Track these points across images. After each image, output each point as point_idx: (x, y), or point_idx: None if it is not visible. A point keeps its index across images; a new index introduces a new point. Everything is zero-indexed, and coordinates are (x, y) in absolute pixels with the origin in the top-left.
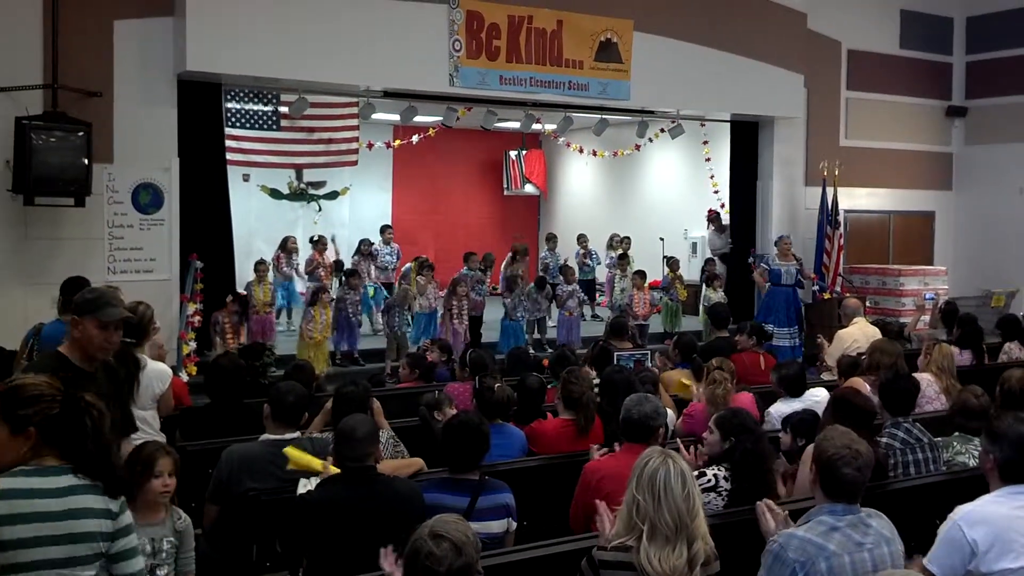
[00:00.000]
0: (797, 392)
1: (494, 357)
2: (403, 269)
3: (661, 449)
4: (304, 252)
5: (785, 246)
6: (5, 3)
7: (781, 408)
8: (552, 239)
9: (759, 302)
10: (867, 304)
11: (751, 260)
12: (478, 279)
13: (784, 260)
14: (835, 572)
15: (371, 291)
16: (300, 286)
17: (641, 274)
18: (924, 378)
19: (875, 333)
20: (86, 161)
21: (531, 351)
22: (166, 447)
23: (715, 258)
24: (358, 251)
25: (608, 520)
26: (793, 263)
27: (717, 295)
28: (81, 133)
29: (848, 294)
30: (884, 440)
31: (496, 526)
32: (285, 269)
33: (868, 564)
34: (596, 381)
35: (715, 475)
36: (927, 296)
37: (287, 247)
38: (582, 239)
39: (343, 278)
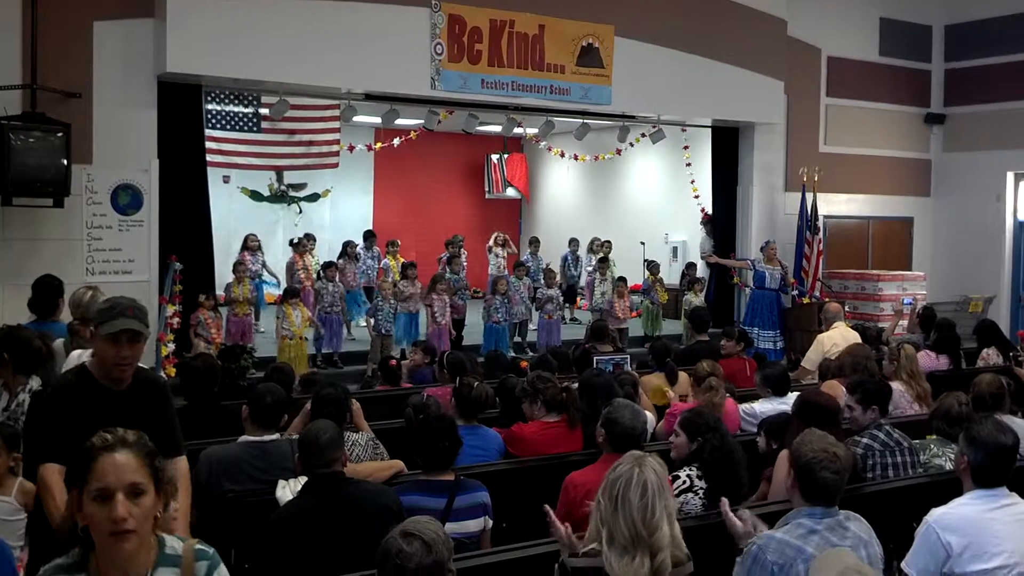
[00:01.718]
0: (782, 392)
1: (474, 359)
2: (383, 264)
3: (637, 455)
4: (275, 253)
5: (771, 251)
6: None
7: (764, 407)
8: (535, 242)
9: (741, 306)
10: (846, 309)
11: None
12: (462, 285)
13: (770, 264)
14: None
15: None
16: (268, 288)
17: (622, 280)
18: (895, 388)
19: (855, 337)
20: (65, 162)
21: (511, 354)
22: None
23: (695, 263)
24: (343, 253)
25: (562, 530)
26: (778, 268)
27: (697, 299)
28: (60, 134)
29: (827, 299)
30: (864, 441)
31: (473, 525)
32: (252, 267)
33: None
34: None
35: (688, 475)
36: (905, 301)
37: (248, 245)
38: (573, 243)
39: (319, 272)
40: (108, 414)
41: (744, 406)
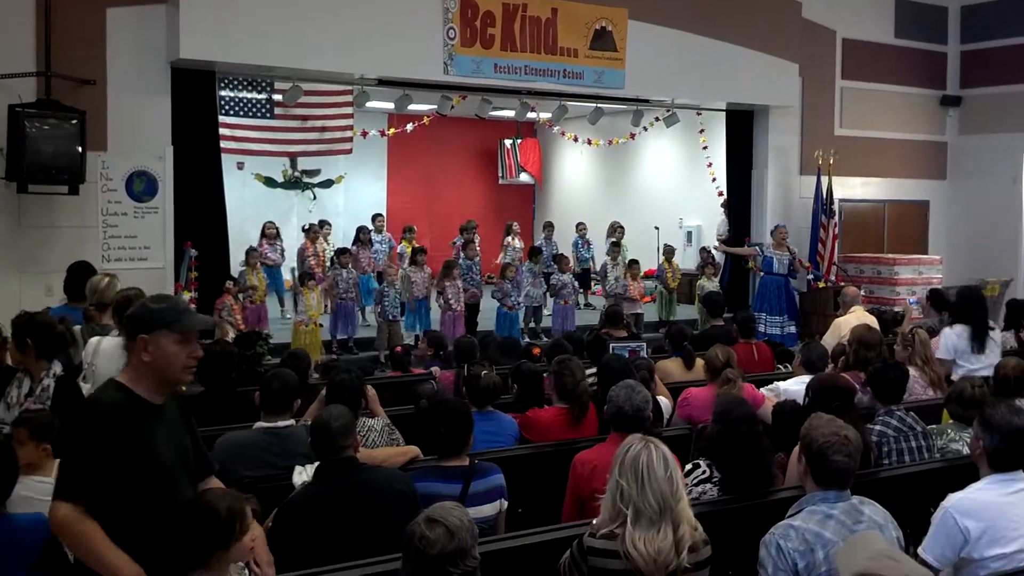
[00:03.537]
0: (820, 371)
1: (495, 342)
2: (399, 249)
3: (642, 436)
4: (289, 239)
5: (780, 236)
6: None
7: (789, 386)
8: (549, 227)
9: (753, 290)
10: (861, 293)
11: (745, 247)
12: (475, 271)
13: (778, 249)
14: (832, 560)
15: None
16: (287, 273)
17: (635, 262)
18: (910, 373)
19: (872, 322)
20: (80, 149)
21: (525, 339)
22: (236, 494)
23: (710, 248)
24: (357, 239)
25: None
26: (786, 253)
27: (711, 284)
28: (75, 121)
29: (843, 283)
30: (877, 428)
31: (489, 509)
32: (271, 255)
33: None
34: (590, 372)
35: (709, 465)
36: (911, 302)
37: (266, 233)
38: (580, 227)
39: (333, 259)
40: (158, 433)
41: (782, 385)
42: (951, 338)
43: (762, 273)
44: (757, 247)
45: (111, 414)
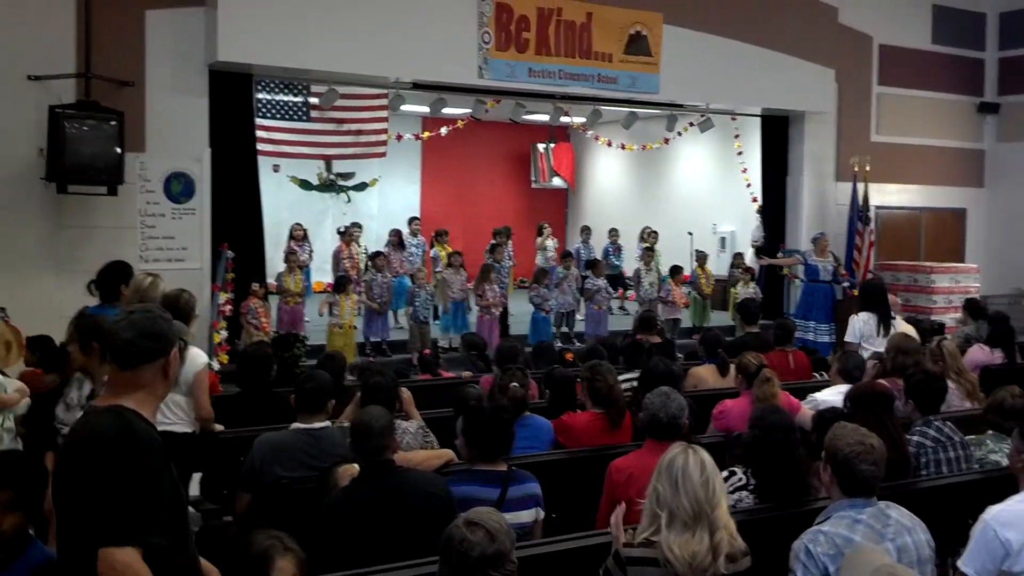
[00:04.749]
0: (856, 380)
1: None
2: (432, 253)
3: (685, 444)
4: (323, 242)
5: (823, 244)
6: None
7: (827, 397)
8: (586, 231)
9: (791, 298)
10: (897, 302)
11: (779, 255)
12: (504, 274)
13: (822, 257)
14: None
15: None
16: (316, 275)
17: (678, 268)
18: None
19: (910, 331)
20: (119, 150)
21: (557, 344)
22: (284, 541)
23: (743, 253)
24: (389, 242)
25: (620, 528)
26: (831, 260)
27: (749, 289)
28: (114, 122)
29: None
30: (915, 439)
31: (526, 515)
32: (303, 257)
33: (892, 554)
34: (626, 377)
35: (745, 472)
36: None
37: (294, 235)
38: (612, 233)
39: (368, 262)
40: (171, 464)
41: (809, 398)
42: (857, 323)
43: (797, 280)
44: (800, 255)
45: (153, 445)
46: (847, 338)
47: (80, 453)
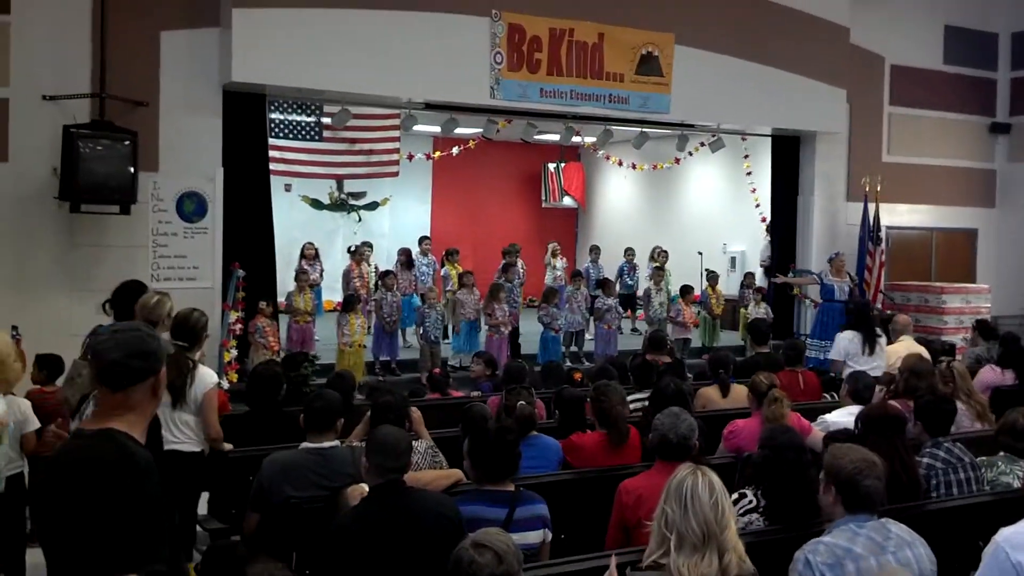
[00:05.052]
0: (866, 401)
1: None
2: (442, 272)
3: (693, 465)
4: (334, 261)
5: (839, 263)
6: (54, 13)
7: (838, 418)
8: (595, 250)
9: (801, 318)
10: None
11: (790, 274)
12: (515, 294)
13: (838, 277)
14: (863, 574)
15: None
16: (326, 294)
17: (687, 288)
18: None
19: (922, 352)
20: (132, 169)
21: (567, 364)
22: (281, 573)
23: (754, 272)
24: (398, 261)
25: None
26: (847, 280)
27: (760, 309)
28: (127, 142)
29: (889, 311)
30: (925, 460)
31: (533, 536)
32: (313, 276)
33: (893, 566)
34: (636, 397)
35: (756, 495)
36: None
37: (305, 254)
38: (629, 252)
39: (378, 281)
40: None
41: (820, 419)
42: (843, 342)
43: (808, 300)
44: (816, 275)
45: (150, 469)
46: (831, 356)
47: (75, 480)
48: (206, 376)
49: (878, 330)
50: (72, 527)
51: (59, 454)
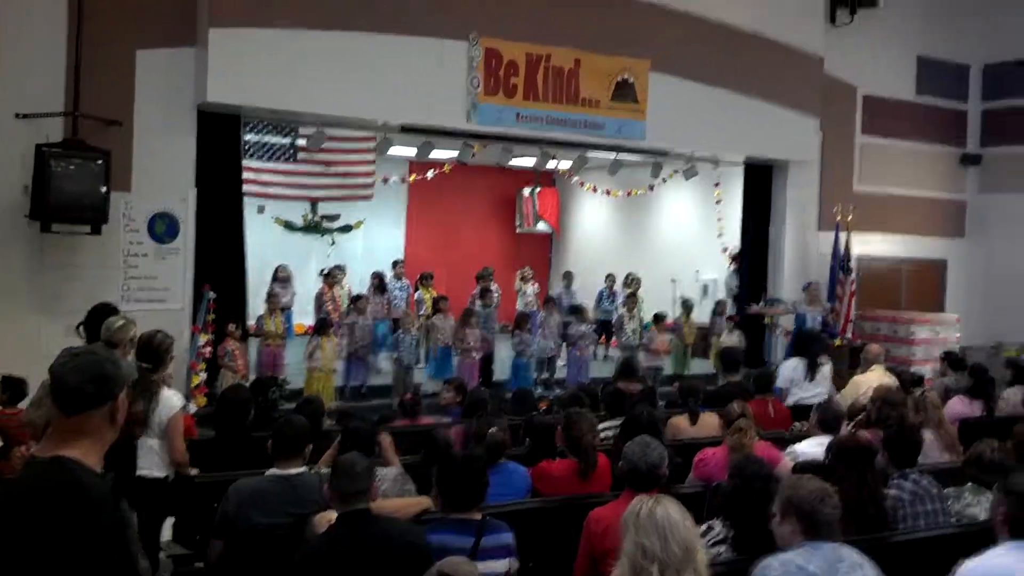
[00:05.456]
0: (835, 431)
1: (498, 399)
2: (416, 296)
3: (648, 495)
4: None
5: (813, 292)
6: (29, 31)
7: (807, 448)
8: (568, 276)
9: (772, 346)
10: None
11: (761, 303)
12: (491, 319)
13: (811, 306)
14: None
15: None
16: (298, 317)
17: (660, 316)
18: (926, 437)
19: (893, 381)
20: (104, 189)
21: (538, 390)
22: None
23: (726, 300)
24: (371, 285)
25: None
26: (820, 310)
27: (733, 337)
28: (100, 161)
29: (859, 341)
30: (892, 492)
31: (499, 565)
32: (284, 299)
33: None
34: (607, 425)
35: (724, 525)
36: None
37: (278, 276)
38: (609, 278)
39: (350, 305)
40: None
41: (794, 448)
42: (786, 370)
43: (780, 328)
44: (788, 304)
45: (102, 498)
46: (777, 383)
47: (22, 511)
48: (171, 399)
49: (822, 358)
50: (22, 560)
51: (7, 484)
